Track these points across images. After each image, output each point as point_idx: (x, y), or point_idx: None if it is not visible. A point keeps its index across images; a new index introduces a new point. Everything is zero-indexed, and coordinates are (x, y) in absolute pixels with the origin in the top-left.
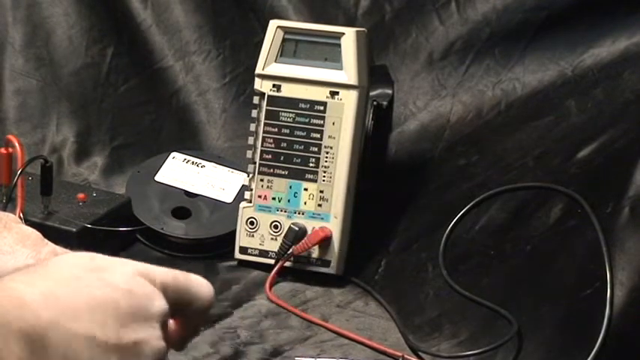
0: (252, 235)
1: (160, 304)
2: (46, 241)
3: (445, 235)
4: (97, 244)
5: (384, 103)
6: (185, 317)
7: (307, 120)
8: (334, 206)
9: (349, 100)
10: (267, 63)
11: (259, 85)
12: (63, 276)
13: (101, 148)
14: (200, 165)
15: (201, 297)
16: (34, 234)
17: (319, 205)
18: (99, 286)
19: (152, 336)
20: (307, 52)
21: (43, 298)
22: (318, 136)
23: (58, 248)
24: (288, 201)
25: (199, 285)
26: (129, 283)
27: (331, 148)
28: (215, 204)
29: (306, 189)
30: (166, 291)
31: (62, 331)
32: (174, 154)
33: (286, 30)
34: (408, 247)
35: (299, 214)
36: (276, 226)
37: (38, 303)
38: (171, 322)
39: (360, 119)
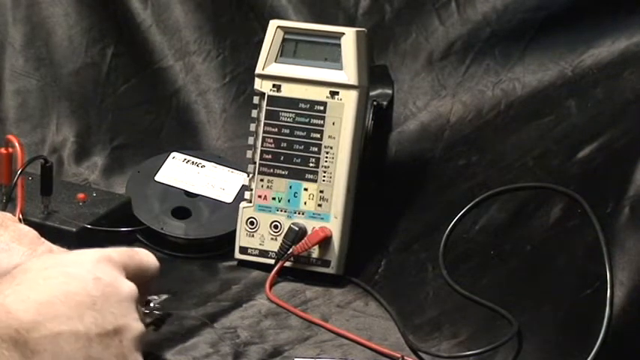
0: (252, 235)
1: (128, 284)
2: (42, 239)
3: (445, 235)
4: (97, 244)
5: (384, 103)
6: (140, 285)
7: (307, 120)
8: (334, 206)
9: (349, 100)
10: (267, 63)
11: (259, 85)
12: (33, 279)
13: (101, 148)
14: (200, 165)
15: (151, 266)
16: (31, 232)
17: (319, 205)
18: (67, 281)
19: (130, 319)
20: (307, 52)
21: (22, 303)
22: (318, 136)
23: (55, 247)
24: (288, 201)
25: (147, 255)
26: (94, 271)
27: (331, 148)
28: (215, 204)
29: (306, 189)
30: (127, 270)
31: (45, 332)
32: (174, 154)
33: (286, 30)
34: (408, 247)
35: (299, 214)
36: (276, 226)
37: (17, 308)
38: None
39: (360, 119)
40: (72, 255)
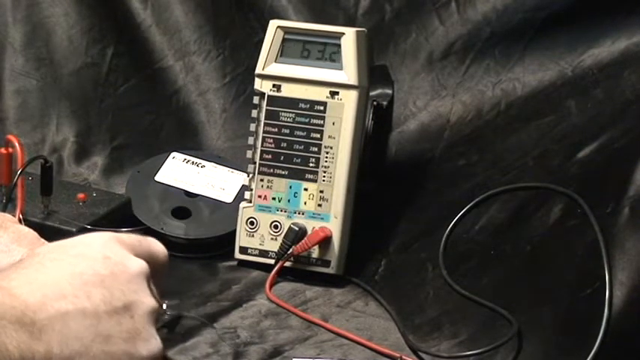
0: (252, 235)
1: (137, 262)
2: (42, 240)
3: (445, 235)
4: None
5: (384, 103)
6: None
7: (307, 120)
8: (334, 206)
9: (349, 100)
10: (267, 63)
11: (259, 85)
12: (41, 263)
13: (101, 148)
14: (200, 165)
15: (160, 254)
16: (31, 233)
17: (319, 205)
18: (76, 262)
19: (141, 295)
20: (307, 52)
21: (27, 286)
22: (318, 136)
23: None
24: (288, 201)
25: (155, 243)
26: (102, 251)
27: (331, 148)
28: (215, 204)
29: (306, 189)
30: (136, 252)
31: (52, 312)
32: (174, 154)
33: (286, 30)
34: (408, 247)
35: (299, 214)
36: (276, 226)
37: (23, 291)
38: None
39: (360, 119)
40: (80, 237)
